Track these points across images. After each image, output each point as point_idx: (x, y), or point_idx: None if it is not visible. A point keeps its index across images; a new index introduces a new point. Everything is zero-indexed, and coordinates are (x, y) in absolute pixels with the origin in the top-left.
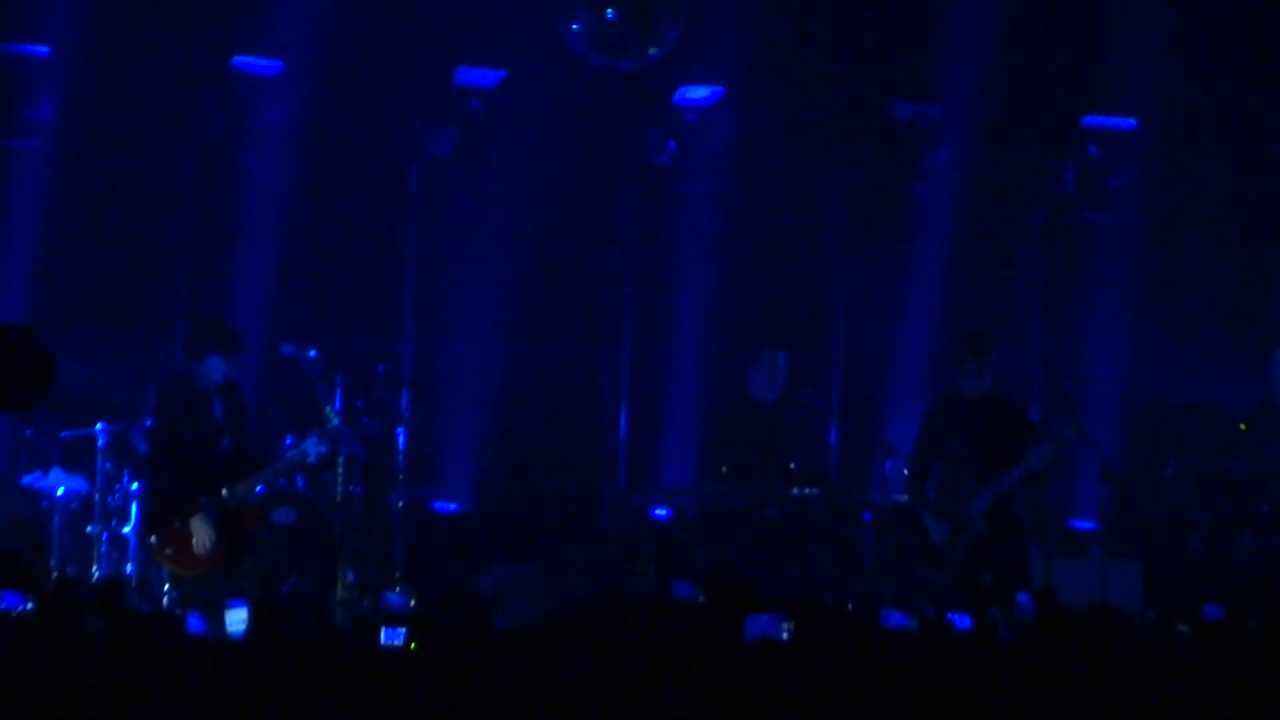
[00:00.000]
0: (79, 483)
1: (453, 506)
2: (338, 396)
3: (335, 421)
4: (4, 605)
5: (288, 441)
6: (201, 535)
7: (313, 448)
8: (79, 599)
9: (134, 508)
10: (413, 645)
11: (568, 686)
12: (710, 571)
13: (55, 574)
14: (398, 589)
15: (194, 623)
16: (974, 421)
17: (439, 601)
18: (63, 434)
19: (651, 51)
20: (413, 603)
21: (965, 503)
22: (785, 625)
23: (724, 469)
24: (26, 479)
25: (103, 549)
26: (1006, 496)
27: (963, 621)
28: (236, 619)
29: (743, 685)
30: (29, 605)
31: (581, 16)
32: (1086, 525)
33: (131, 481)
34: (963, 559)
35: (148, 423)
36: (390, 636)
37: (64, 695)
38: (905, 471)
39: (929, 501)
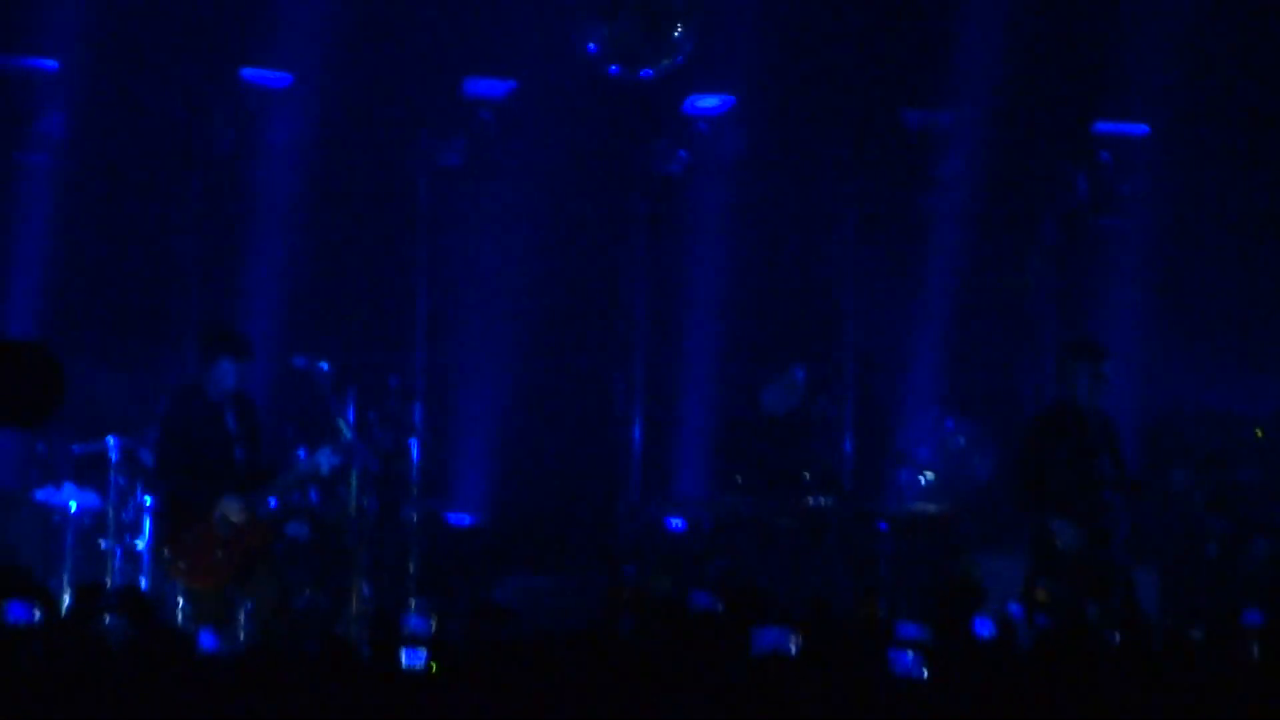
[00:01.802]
0: (91, 497)
1: (467, 519)
2: (350, 409)
3: (348, 434)
4: (10, 617)
5: (301, 454)
6: (229, 513)
7: (325, 459)
8: (100, 604)
9: (147, 522)
10: (433, 666)
11: (583, 697)
12: (726, 581)
13: (69, 588)
14: (416, 609)
15: (206, 639)
16: (1096, 431)
17: (465, 614)
18: (75, 448)
19: (667, 61)
20: (434, 624)
21: (1104, 513)
22: (794, 638)
23: (738, 479)
24: (39, 494)
25: (116, 563)
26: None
27: (984, 628)
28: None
29: (756, 696)
30: (36, 616)
31: (598, 27)
32: None
33: (144, 495)
34: (1096, 567)
35: (157, 434)
36: (411, 658)
37: (76, 706)
38: (1014, 477)
39: (1061, 507)
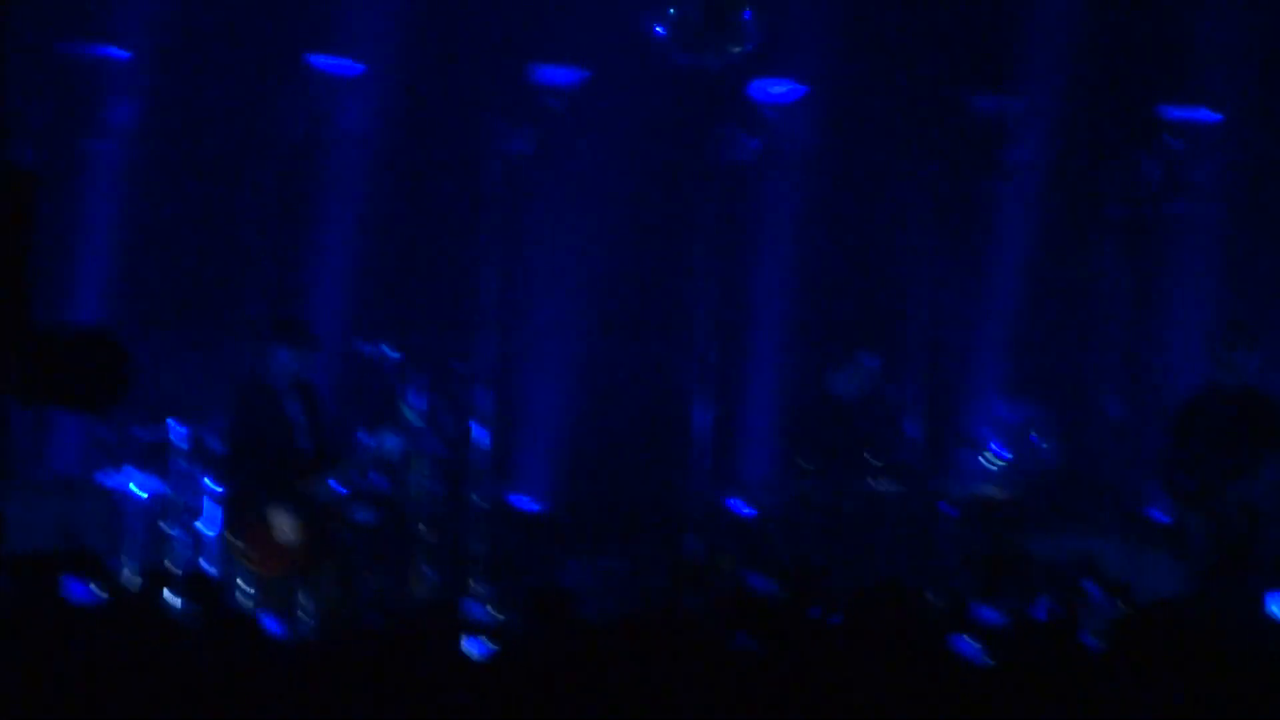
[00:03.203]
0: (153, 481)
1: (533, 504)
2: (417, 395)
3: (415, 419)
4: (71, 596)
5: (365, 439)
6: (282, 524)
7: (390, 443)
8: (171, 588)
9: (206, 505)
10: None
11: (647, 680)
12: (789, 566)
13: (131, 572)
14: (477, 598)
15: (270, 624)
16: (1235, 414)
17: (526, 598)
18: (137, 432)
19: (736, 49)
20: (492, 612)
21: (1219, 495)
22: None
23: (803, 463)
24: (101, 477)
25: (177, 548)
26: (1263, 497)
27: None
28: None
29: (810, 680)
30: (97, 595)
31: (667, 14)
32: (1165, 516)
33: (206, 480)
34: (1210, 550)
35: (223, 423)
36: (472, 646)
37: (142, 688)
38: (1160, 463)
39: (1183, 490)
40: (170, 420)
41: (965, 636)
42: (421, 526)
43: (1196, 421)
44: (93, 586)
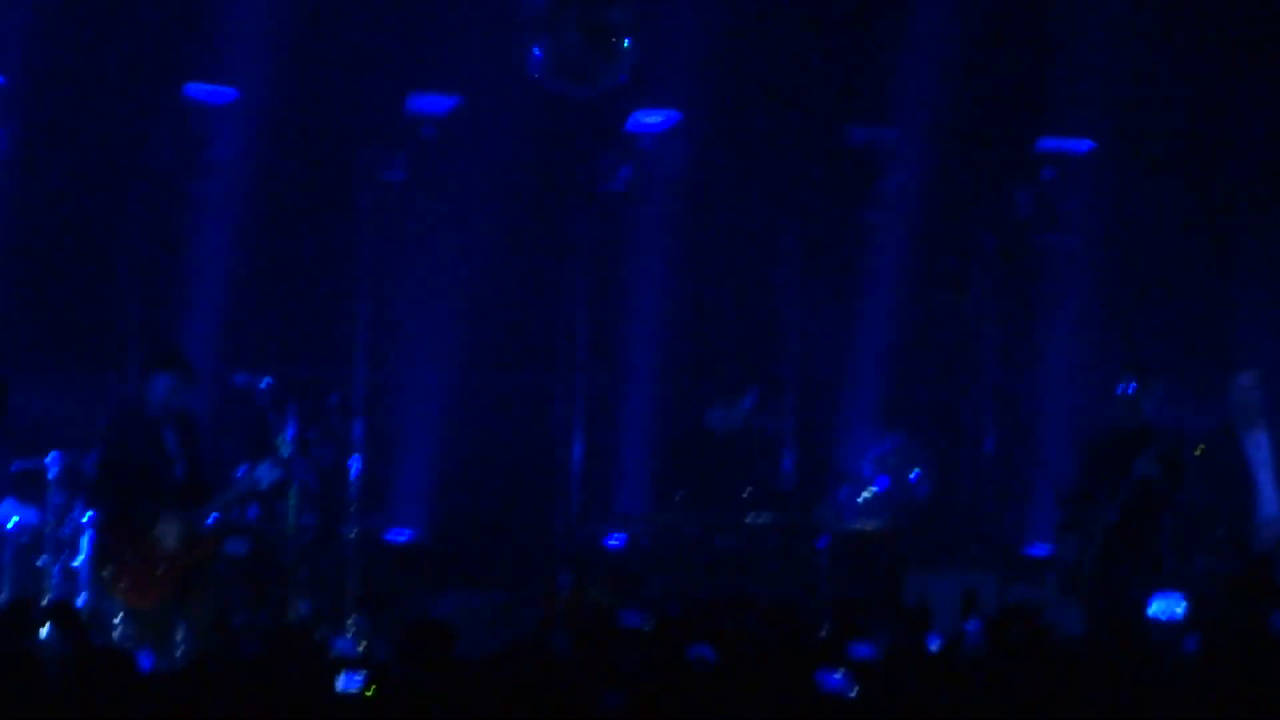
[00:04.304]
0: (30, 514)
1: (406, 535)
2: (290, 425)
3: (288, 450)
4: None
5: (241, 471)
6: (168, 533)
7: (265, 474)
8: (33, 615)
9: (85, 539)
10: (370, 691)
11: (520, 714)
12: (660, 600)
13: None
14: (349, 634)
15: (144, 660)
16: (1123, 452)
17: (402, 632)
18: (14, 465)
19: (610, 77)
20: (363, 646)
21: (1090, 521)
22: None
23: (678, 496)
24: None
25: (53, 580)
26: (1137, 515)
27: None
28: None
29: (693, 713)
30: None
31: (542, 43)
32: (1041, 551)
33: (83, 513)
34: (1092, 577)
35: (97, 452)
36: (348, 683)
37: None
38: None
39: (1061, 522)
40: (53, 453)
41: (834, 671)
42: (293, 558)
43: (1091, 460)
44: None
